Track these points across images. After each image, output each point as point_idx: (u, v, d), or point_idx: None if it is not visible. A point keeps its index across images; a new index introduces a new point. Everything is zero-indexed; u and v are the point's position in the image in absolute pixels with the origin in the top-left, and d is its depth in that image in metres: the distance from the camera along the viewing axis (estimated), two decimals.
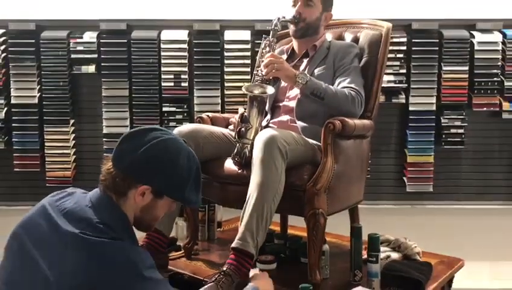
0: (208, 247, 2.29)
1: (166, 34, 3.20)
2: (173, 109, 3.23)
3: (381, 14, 3.16)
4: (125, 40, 3.19)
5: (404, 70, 3.21)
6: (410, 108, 3.22)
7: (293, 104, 2.09)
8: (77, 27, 3.23)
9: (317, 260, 1.81)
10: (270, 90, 1.92)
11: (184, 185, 1.38)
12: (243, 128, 1.85)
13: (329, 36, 2.36)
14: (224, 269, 1.65)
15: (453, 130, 3.24)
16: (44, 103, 3.22)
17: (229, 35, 3.17)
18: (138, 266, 1.24)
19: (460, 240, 3.29)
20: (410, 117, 3.22)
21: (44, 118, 3.23)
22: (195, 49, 3.19)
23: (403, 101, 3.23)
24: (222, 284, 1.59)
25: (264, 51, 2.03)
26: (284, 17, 2.12)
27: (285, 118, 2.11)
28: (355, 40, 2.28)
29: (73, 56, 3.21)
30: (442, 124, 3.23)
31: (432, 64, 3.20)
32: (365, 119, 2.07)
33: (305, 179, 1.80)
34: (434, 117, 3.23)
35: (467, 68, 3.20)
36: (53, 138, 3.24)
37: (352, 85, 2.01)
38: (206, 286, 1.59)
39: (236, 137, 1.87)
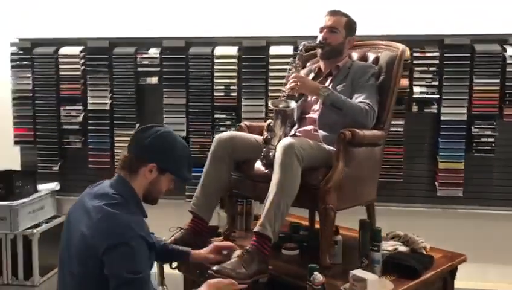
0: (244, 235, 2.67)
1: (218, 50, 3.62)
2: (223, 116, 3.64)
3: (415, 30, 3.45)
4: (184, 56, 3.65)
5: (436, 83, 3.45)
6: (442, 118, 3.45)
7: (316, 116, 2.44)
8: (143, 44, 3.73)
9: (327, 247, 2.15)
10: (293, 104, 2.29)
11: (180, 164, 1.90)
12: (268, 136, 2.24)
13: (355, 55, 2.69)
14: (247, 248, 2.04)
15: (483, 139, 3.44)
16: (115, 109, 3.76)
17: (273, 50, 3.55)
18: (124, 234, 1.67)
19: (487, 243, 3.49)
20: (442, 126, 3.46)
21: (115, 122, 3.76)
22: (243, 63, 3.60)
23: (435, 111, 3.48)
24: (245, 259, 1.99)
25: (290, 72, 2.40)
26: (309, 43, 2.48)
27: (309, 127, 2.47)
28: (376, 59, 2.59)
29: (139, 69, 3.71)
30: (473, 133, 3.44)
31: (463, 77, 3.42)
32: (377, 130, 2.38)
33: (319, 179, 2.15)
34: (465, 126, 3.44)
35: (498, 81, 3.39)
36: (122, 139, 3.75)
37: (367, 100, 2.33)
38: (232, 260, 2.00)
39: (264, 143, 2.25)
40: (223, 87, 3.62)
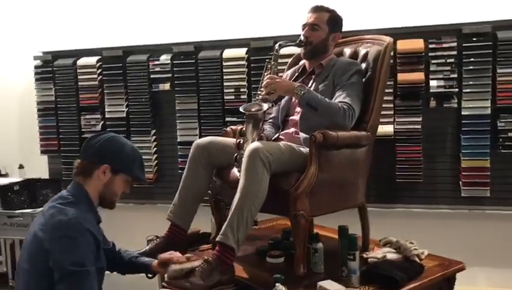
0: None
1: (227, 53, 3.59)
2: (235, 119, 3.58)
3: (430, 20, 3.24)
4: (193, 60, 3.65)
5: (455, 75, 3.22)
6: (463, 112, 3.21)
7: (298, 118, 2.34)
8: (155, 51, 3.77)
9: (300, 255, 2.05)
10: (265, 107, 2.21)
11: (131, 165, 1.96)
12: (241, 141, 2.18)
13: (347, 51, 2.56)
14: (208, 258, 1.98)
15: (510, 134, 3.17)
16: (130, 116, 3.83)
17: (281, 50, 3.44)
18: (69, 227, 1.75)
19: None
20: (464, 121, 3.22)
21: (131, 129, 3.83)
22: (252, 65, 3.54)
23: (455, 105, 3.25)
24: (202, 270, 1.94)
25: (265, 73, 2.32)
26: (286, 42, 2.39)
27: (290, 130, 2.37)
28: (366, 55, 2.45)
29: (152, 76, 3.76)
30: (499, 128, 3.18)
31: (485, 68, 3.16)
32: (360, 131, 2.24)
33: (292, 184, 2.06)
34: (489, 121, 3.18)
35: None
36: (138, 145, 3.75)
37: (346, 100, 2.20)
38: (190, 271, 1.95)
39: (236, 148, 2.19)
40: (232, 90, 3.58)
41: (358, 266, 2.01)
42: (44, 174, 4.10)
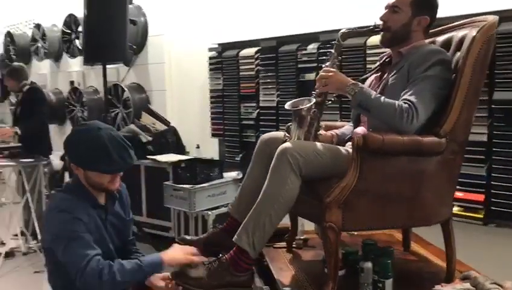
0: (318, 244, 2.44)
1: (372, 40, 3.31)
2: None
3: None
4: None
5: None
6: None
7: None
8: (304, 40, 3.72)
9: (331, 273, 1.80)
10: (311, 103, 1.98)
11: (95, 161, 1.89)
12: (286, 139, 2.01)
13: (458, 35, 2.08)
14: (222, 258, 1.90)
15: None
16: (280, 105, 3.89)
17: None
18: (57, 208, 1.88)
19: None
20: None
21: (280, 118, 3.89)
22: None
23: None
24: (211, 267, 1.87)
25: (323, 66, 2.06)
26: (349, 29, 2.08)
27: (359, 129, 2.08)
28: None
29: (300, 66, 3.73)
30: None
31: None
32: (428, 136, 1.81)
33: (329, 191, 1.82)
34: None
35: None
36: None
37: (412, 97, 1.80)
38: (199, 266, 1.90)
39: None
40: None
41: None
42: (216, 155, 4.52)
